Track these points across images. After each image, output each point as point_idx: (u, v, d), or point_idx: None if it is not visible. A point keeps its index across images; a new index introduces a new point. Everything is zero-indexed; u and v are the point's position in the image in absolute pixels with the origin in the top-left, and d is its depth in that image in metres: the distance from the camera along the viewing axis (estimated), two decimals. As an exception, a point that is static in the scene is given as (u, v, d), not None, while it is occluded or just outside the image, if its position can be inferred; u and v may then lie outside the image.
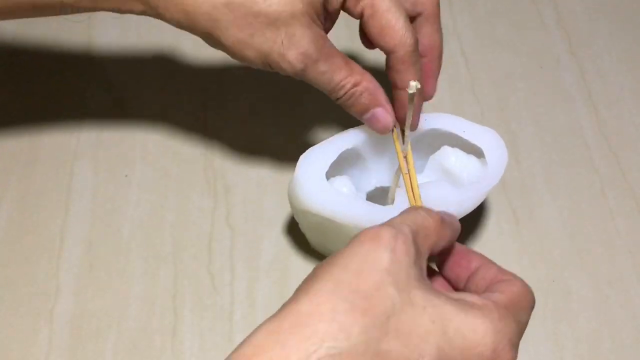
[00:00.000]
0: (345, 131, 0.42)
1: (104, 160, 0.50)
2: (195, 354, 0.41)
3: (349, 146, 0.40)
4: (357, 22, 0.40)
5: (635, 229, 0.47)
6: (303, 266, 0.45)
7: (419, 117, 0.41)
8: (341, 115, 0.53)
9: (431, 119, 0.42)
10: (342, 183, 0.40)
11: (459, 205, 0.38)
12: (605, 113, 0.53)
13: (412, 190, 0.37)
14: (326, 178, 0.40)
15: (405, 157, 0.39)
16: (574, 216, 0.48)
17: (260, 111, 0.53)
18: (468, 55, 0.57)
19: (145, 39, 0.56)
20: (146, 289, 0.44)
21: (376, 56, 0.44)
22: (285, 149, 0.50)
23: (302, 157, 0.40)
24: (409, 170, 0.38)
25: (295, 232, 0.46)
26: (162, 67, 0.55)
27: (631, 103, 0.54)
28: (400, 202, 0.38)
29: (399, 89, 0.40)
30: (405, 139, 0.39)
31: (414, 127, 0.41)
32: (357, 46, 0.43)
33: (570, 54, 0.57)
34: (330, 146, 0.40)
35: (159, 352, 0.42)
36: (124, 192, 0.48)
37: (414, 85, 0.36)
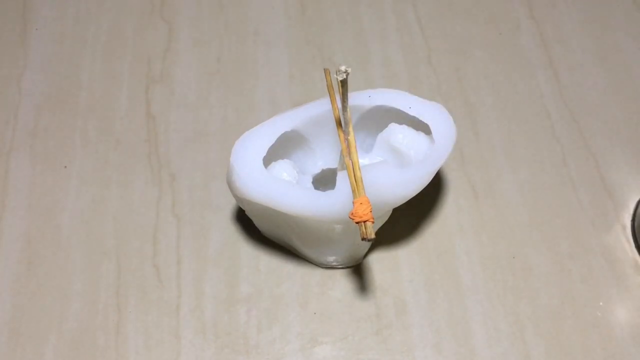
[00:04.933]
0: (283, 112, 0.39)
1: (42, 151, 0.47)
2: (140, 352, 0.40)
3: (288, 129, 0.38)
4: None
5: (597, 199, 0.45)
6: (253, 253, 0.43)
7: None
8: (289, 95, 0.51)
9: (376, 96, 0.40)
10: (282, 168, 0.38)
11: (404, 186, 0.36)
12: (566, 79, 0.51)
13: (354, 174, 0.35)
14: (268, 162, 0.38)
15: (347, 139, 0.37)
16: (534, 189, 0.46)
17: (206, 93, 0.50)
18: (424, 24, 0.54)
19: (84, 19, 0.53)
20: (88, 285, 0.42)
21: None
22: (233, 133, 0.48)
23: (237, 143, 0.37)
24: (350, 153, 0.36)
25: (243, 218, 0.44)
26: (103, 48, 0.52)
27: (593, 68, 0.52)
28: (342, 186, 0.36)
29: None
30: (345, 121, 0.37)
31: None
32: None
33: (530, 19, 0.55)
34: (267, 129, 0.38)
35: (102, 351, 0.40)
36: (64, 184, 0.46)
37: (342, 71, 0.34)
